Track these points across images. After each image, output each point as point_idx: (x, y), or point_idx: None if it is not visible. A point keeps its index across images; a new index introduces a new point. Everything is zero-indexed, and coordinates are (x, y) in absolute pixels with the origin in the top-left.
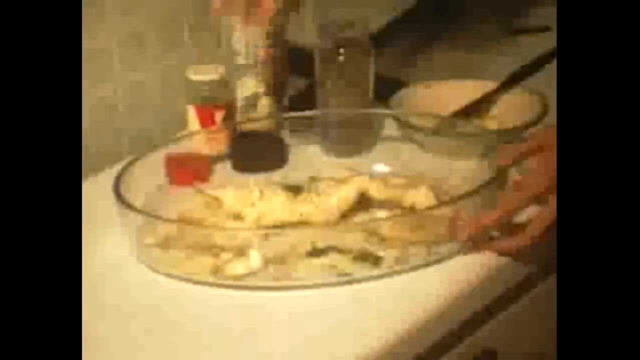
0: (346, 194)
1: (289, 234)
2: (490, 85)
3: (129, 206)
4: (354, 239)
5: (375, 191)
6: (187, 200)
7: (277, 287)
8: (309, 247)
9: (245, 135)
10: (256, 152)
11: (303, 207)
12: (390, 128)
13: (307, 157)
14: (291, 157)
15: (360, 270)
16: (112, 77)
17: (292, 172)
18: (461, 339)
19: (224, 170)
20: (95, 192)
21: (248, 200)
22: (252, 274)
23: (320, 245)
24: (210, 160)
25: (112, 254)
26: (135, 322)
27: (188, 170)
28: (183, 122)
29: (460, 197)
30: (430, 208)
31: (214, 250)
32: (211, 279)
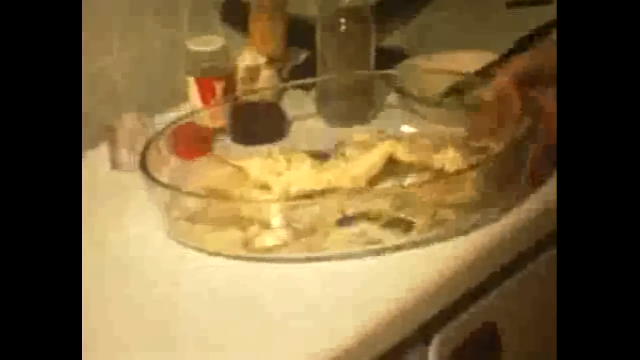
0: (374, 158)
1: (317, 203)
2: (490, 57)
3: (156, 182)
4: (383, 205)
5: (403, 154)
6: (210, 172)
7: (308, 259)
8: (338, 215)
9: (245, 106)
10: (256, 124)
11: (330, 174)
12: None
13: (308, 128)
14: (292, 129)
15: (390, 237)
16: (112, 49)
17: (293, 143)
18: (460, 312)
19: (224, 142)
20: (96, 163)
21: (274, 169)
22: (281, 246)
23: (350, 212)
24: (212, 132)
25: (123, 228)
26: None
27: (190, 143)
28: (183, 95)
29: (490, 158)
30: (459, 172)
31: (242, 222)
32: (241, 253)
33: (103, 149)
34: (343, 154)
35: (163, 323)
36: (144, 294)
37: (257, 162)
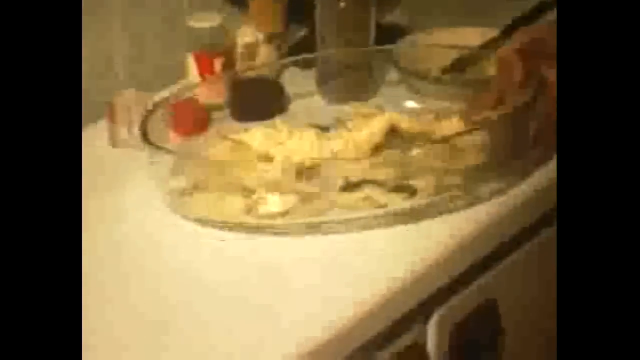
0: (377, 126)
1: (320, 170)
2: (490, 33)
3: (159, 148)
4: (387, 172)
5: (406, 124)
6: (211, 147)
7: (312, 224)
8: (342, 183)
9: (244, 83)
10: (255, 101)
11: (333, 144)
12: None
13: (307, 105)
14: (291, 106)
15: (395, 200)
16: (112, 26)
17: (292, 120)
18: (460, 289)
19: (222, 119)
20: (94, 140)
21: (276, 140)
22: (286, 212)
23: (354, 179)
24: (209, 109)
25: (126, 200)
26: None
27: (188, 120)
28: (182, 71)
29: (494, 122)
30: (460, 133)
31: (244, 192)
32: (246, 219)
33: (101, 126)
34: (345, 125)
35: (163, 301)
36: (142, 269)
37: (258, 133)
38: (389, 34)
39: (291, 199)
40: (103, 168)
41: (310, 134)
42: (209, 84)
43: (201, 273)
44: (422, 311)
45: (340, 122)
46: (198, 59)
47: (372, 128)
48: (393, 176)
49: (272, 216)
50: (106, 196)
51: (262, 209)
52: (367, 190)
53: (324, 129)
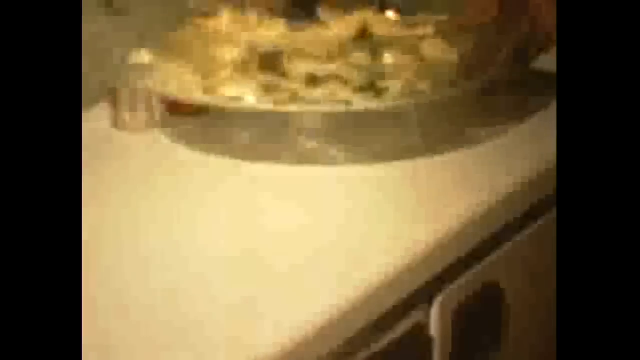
0: (347, 24)
1: (284, 59)
2: None
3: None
4: (355, 73)
5: (380, 28)
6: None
7: (273, 114)
8: (305, 77)
9: None
10: None
11: (302, 37)
12: None
13: None
14: None
15: (361, 100)
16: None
17: None
18: (463, 272)
19: None
20: (96, 123)
21: (245, 26)
22: (245, 97)
23: (320, 74)
24: None
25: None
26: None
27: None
28: None
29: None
30: (438, 33)
31: (204, 73)
32: (204, 99)
33: (103, 109)
34: (318, 20)
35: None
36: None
37: (227, 17)
38: None
39: (252, 86)
40: (105, 150)
41: (280, 25)
42: None
43: None
44: (425, 294)
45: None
46: None
47: (342, 25)
48: (361, 77)
49: (232, 99)
50: (109, 178)
51: (221, 91)
52: (333, 87)
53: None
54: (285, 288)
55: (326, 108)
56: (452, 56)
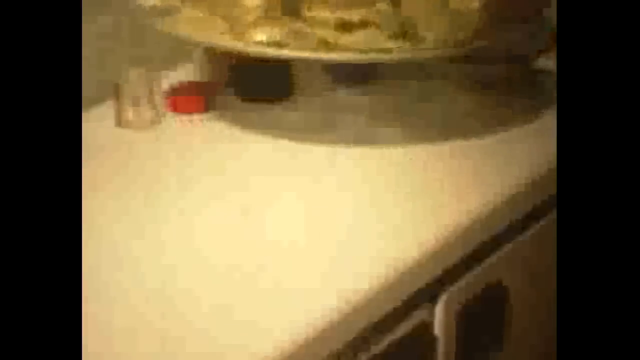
0: None
1: (304, 6)
2: None
3: None
4: (386, 19)
5: None
6: None
7: (307, 59)
8: (335, 21)
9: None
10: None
11: None
12: None
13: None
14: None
15: (398, 46)
16: (113, 5)
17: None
18: (467, 271)
19: (226, 98)
20: (100, 121)
21: None
22: (276, 44)
23: (354, 18)
24: (212, 88)
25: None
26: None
27: (191, 99)
28: (185, 52)
29: None
30: None
31: (230, 18)
32: (236, 45)
33: (107, 106)
34: None
35: None
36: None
37: None
38: None
39: (280, 31)
40: (109, 147)
41: None
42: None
43: None
44: (429, 292)
45: None
46: None
47: None
48: (392, 25)
49: (263, 44)
50: (112, 175)
51: (251, 36)
52: (368, 32)
53: None
54: (284, 290)
55: (369, 56)
56: (474, 4)
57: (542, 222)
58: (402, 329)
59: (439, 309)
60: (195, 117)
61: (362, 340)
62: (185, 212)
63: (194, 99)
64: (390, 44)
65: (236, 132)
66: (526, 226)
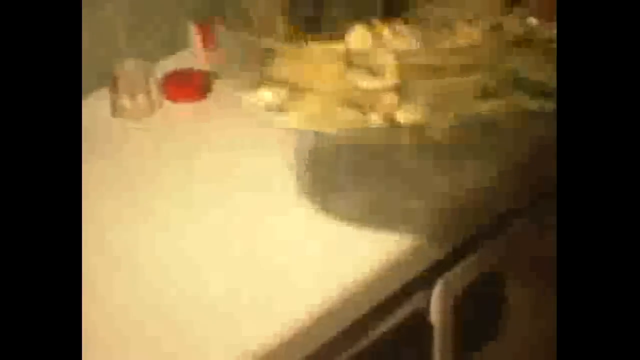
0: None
1: (450, 78)
2: None
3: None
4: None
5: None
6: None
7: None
8: (477, 92)
9: None
10: None
11: (445, 42)
12: None
13: None
14: None
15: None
16: None
17: None
18: (464, 259)
19: (222, 86)
20: (96, 110)
21: (376, 42)
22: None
23: (493, 83)
24: (209, 76)
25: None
26: None
27: (187, 87)
28: (183, 41)
29: None
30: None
31: (352, 102)
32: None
33: (102, 95)
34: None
35: None
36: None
37: (357, 34)
38: None
39: (421, 109)
40: (104, 137)
41: (417, 34)
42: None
43: None
44: (425, 280)
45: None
46: (200, 29)
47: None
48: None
49: (412, 122)
50: (108, 165)
51: (399, 117)
52: (514, 96)
53: None
54: (282, 278)
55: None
56: None
57: (539, 210)
58: (398, 317)
59: (435, 297)
60: (192, 105)
61: (359, 328)
62: (182, 204)
63: (190, 87)
64: (535, 103)
65: (234, 118)
66: (523, 214)
